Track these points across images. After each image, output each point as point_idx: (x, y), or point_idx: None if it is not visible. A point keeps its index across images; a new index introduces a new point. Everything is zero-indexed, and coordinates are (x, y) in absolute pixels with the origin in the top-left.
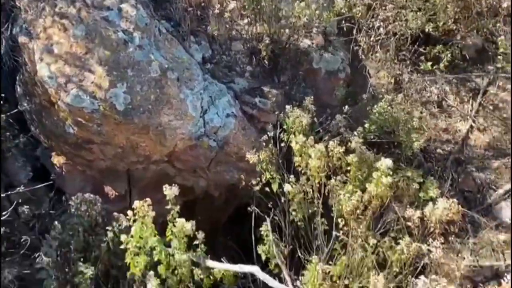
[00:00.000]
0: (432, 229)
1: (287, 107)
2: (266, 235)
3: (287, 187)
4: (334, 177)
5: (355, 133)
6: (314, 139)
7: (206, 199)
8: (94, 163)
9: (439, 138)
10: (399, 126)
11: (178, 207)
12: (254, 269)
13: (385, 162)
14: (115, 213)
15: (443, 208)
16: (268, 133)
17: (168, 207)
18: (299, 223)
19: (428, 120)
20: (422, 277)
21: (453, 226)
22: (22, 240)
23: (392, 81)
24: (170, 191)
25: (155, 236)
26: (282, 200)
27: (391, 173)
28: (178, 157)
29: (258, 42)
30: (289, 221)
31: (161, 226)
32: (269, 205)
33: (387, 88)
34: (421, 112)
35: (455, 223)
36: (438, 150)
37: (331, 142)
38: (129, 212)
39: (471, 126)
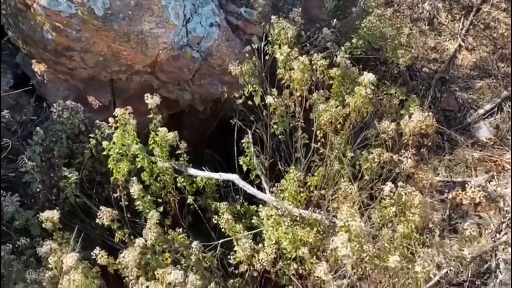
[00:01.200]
0: (406, 141)
1: (273, 17)
2: (248, 147)
3: (269, 100)
4: (317, 91)
5: (342, 48)
6: (300, 52)
7: (191, 112)
8: (76, 71)
9: (426, 57)
10: (387, 42)
11: (160, 116)
12: (234, 177)
13: (368, 76)
14: (98, 121)
15: (417, 120)
16: (252, 44)
17: (150, 116)
18: (280, 136)
19: (417, 37)
20: (389, 183)
21: (427, 139)
22: (4, 143)
23: None
24: (152, 100)
25: (137, 143)
26: (264, 113)
27: (372, 87)
28: (161, 68)
29: None
30: (271, 134)
31: (144, 136)
32: (252, 119)
33: (378, 2)
34: (410, 29)
35: (429, 137)
36: (424, 69)
37: (315, 55)
38: (111, 119)
39: (460, 45)
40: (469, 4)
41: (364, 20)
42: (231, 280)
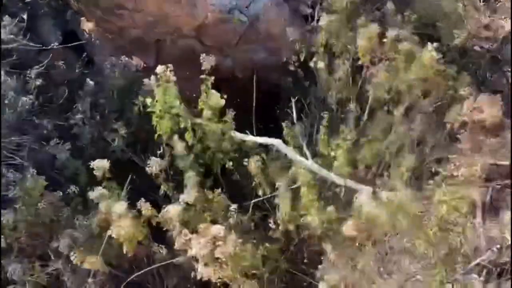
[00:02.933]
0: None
1: None
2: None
3: (320, 65)
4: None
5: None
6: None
7: (232, 80)
8: (124, 31)
9: (478, 35)
10: (442, 19)
11: (213, 78)
12: (277, 141)
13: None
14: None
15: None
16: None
17: (203, 76)
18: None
19: (471, 14)
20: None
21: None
22: (57, 95)
23: None
24: (208, 60)
25: (180, 103)
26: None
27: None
28: (208, 31)
29: None
30: (321, 102)
31: (186, 101)
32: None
33: None
34: (464, 5)
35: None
36: (476, 47)
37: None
38: (152, 77)
39: None
40: None
41: None
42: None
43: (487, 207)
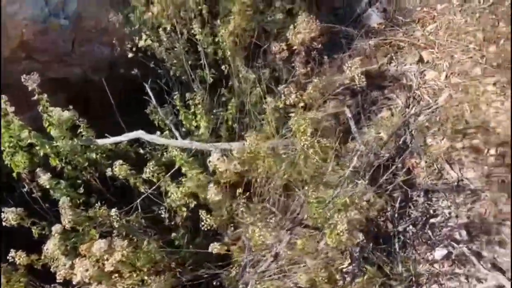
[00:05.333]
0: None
1: None
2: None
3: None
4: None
5: None
6: None
7: (89, 86)
8: None
9: None
10: None
11: (46, 95)
12: (139, 133)
13: None
14: None
15: (304, 30)
16: None
17: (35, 98)
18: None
19: None
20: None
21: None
22: None
23: None
24: (32, 80)
25: (30, 132)
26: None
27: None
28: (34, 47)
29: None
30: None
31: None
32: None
33: None
34: None
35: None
36: None
37: None
38: None
39: None
40: None
41: None
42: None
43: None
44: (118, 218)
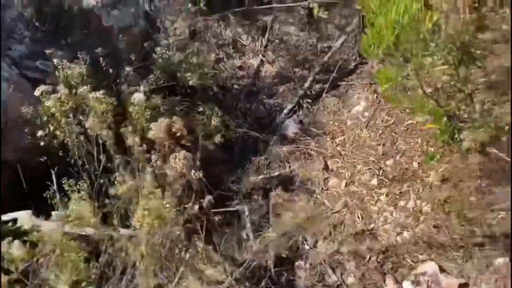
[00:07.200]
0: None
1: (55, 61)
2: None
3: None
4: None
5: (144, 81)
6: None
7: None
8: None
9: (235, 75)
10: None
11: None
12: (23, 213)
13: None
14: None
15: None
16: (38, 88)
17: None
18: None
19: (226, 60)
20: None
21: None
22: None
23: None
24: None
25: None
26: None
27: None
28: None
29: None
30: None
31: None
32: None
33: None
34: (217, 54)
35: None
36: (235, 86)
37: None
38: None
39: (262, 60)
40: (263, 25)
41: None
42: None
43: None
44: None
